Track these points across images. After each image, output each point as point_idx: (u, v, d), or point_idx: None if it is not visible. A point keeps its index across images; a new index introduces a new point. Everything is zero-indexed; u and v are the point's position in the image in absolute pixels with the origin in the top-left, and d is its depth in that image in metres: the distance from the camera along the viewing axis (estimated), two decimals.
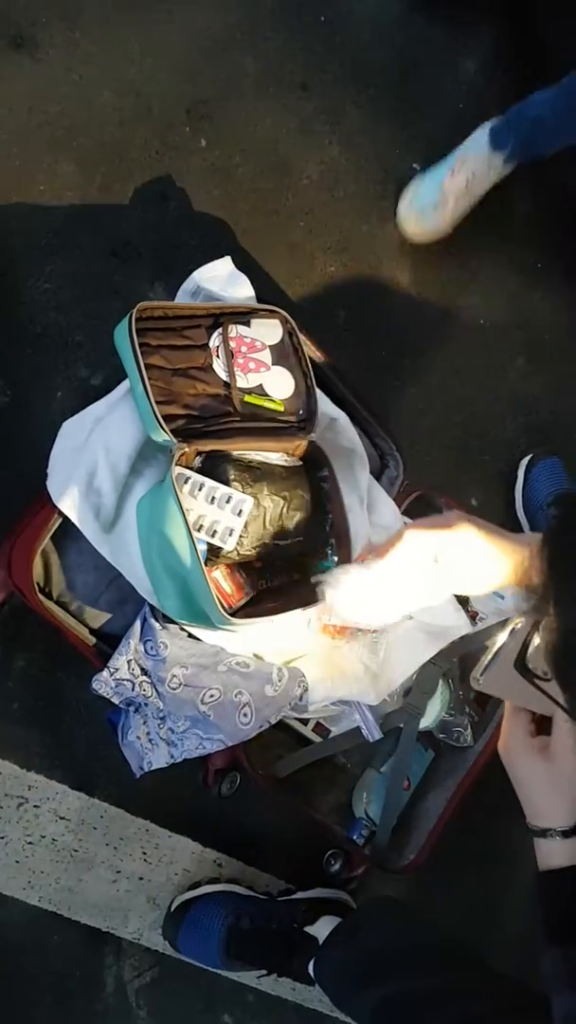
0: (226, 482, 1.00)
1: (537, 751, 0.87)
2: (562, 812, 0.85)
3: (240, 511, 0.99)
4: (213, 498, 0.99)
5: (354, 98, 1.36)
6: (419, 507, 1.28)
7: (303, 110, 1.33)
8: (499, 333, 1.51)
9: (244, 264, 1.15)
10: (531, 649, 0.80)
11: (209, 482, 0.99)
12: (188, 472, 1.00)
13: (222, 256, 1.15)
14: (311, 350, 1.15)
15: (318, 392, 1.12)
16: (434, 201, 1.35)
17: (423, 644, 1.20)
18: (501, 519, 1.51)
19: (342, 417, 1.17)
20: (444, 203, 1.35)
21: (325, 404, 1.15)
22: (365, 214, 1.38)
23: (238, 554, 1.01)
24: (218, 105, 1.27)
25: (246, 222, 1.29)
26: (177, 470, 0.98)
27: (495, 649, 0.85)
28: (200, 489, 0.99)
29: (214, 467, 1.01)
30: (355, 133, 1.37)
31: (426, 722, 1.24)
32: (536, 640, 0.82)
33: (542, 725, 0.90)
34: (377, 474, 1.25)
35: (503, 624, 0.87)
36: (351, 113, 1.37)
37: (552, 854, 0.85)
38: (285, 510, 1.04)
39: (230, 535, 1.00)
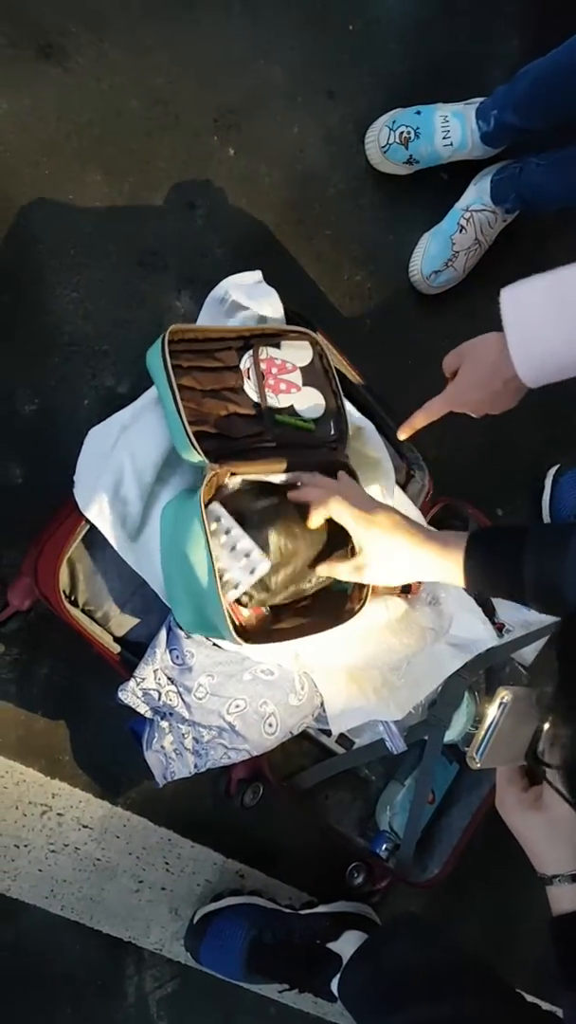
0: (265, 544, 0.98)
1: (531, 804, 0.90)
2: (565, 858, 0.88)
3: (253, 570, 0.97)
4: (233, 547, 0.98)
5: (381, 106, 1.35)
6: (445, 516, 1.28)
7: (330, 118, 1.33)
8: None
9: (270, 273, 1.15)
10: (542, 741, 0.79)
11: (236, 530, 0.97)
12: (220, 511, 0.99)
13: (247, 265, 1.15)
14: (348, 371, 1.16)
15: (344, 401, 1.12)
16: (445, 258, 1.36)
17: (448, 657, 1.19)
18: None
19: (368, 426, 1.17)
20: (456, 258, 1.36)
21: (351, 413, 1.15)
22: (391, 224, 1.38)
23: (253, 600, 1.00)
24: (245, 114, 1.27)
25: (273, 231, 1.29)
26: (214, 507, 0.98)
27: (487, 725, 0.86)
28: (225, 534, 0.98)
29: (261, 522, 0.99)
30: None
31: (451, 735, 1.23)
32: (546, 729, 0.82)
33: (532, 775, 0.93)
34: (403, 484, 1.24)
35: (491, 699, 0.87)
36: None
37: (562, 899, 0.87)
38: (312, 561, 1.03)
39: (235, 588, 0.98)
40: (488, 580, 0.91)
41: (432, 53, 1.40)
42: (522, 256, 1.48)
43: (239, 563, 0.97)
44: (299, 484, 1.01)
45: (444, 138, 1.30)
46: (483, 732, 0.86)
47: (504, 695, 0.85)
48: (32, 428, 1.15)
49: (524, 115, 1.24)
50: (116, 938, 1.22)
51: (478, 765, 0.86)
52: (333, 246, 1.33)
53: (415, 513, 1.21)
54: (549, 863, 0.88)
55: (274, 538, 0.97)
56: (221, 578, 0.95)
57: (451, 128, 1.30)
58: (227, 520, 0.97)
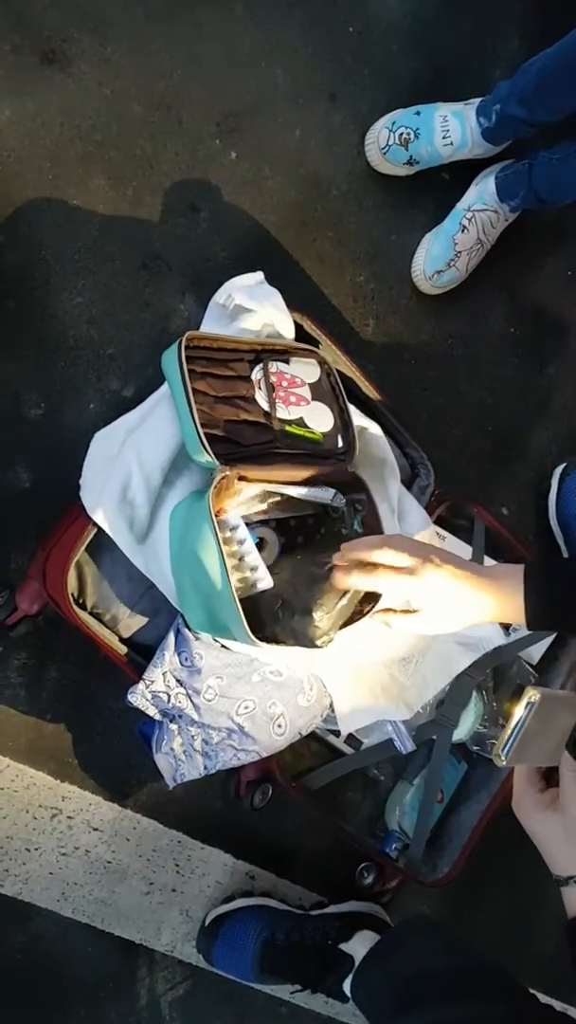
0: (313, 624, 0.96)
1: (548, 805, 0.90)
2: None
3: (255, 584, 0.98)
4: (242, 558, 0.98)
5: (383, 108, 1.35)
6: (450, 515, 1.28)
7: (332, 121, 1.33)
8: (529, 341, 1.50)
9: (273, 275, 1.15)
10: None
11: (248, 543, 0.98)
12: (237, 520, 0.99)
13: (251, 268, 1.16)
14: (361, 382, 1.18)
15: (350, 406, 1.13)
16: (448, 258, 1.36)
17: (456, 655, 1.19)
18: (534, 528, 1.50)
19: (372, 426, 1.17)
20: (458, 258, 1.36)
21: (355, 413, 1.15)
22: (394, 224, 1.38)
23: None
24: (248, 117, 1.27)
25: (276, 234, 1.29)
26: (231, 516, 0.98)
27: (514, 724, 0.86)
28: (239, 544, 0.98)
29: (305, 610, 0.97)
30: None
31: (459, 734, 1.23)
32: None
33: (550, 776, 0.93)
34: (408, 483, 1.25)
35: (519, 697, 0.87)
36: None
37: None
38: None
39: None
40: (556, 615, 0.90)
41: (433, 54, 1.40)
42: (524, 256, 1.49)
43: (243, 575, 0.98)
44: (333, 560, 0.96)
45: (444, 138, 1.30)
46: (510, 731, 0.86)
47: (533, 695, 0.85)
48: (38, 432, 1.15)
49: (530, 107, 1.23)
50: (128, 940, 1.22)
51: (503, 763, 0.87)
52: (336, 247, 1.34)
53: (420, 512, 1.21)
54: (565, 864, 0.88)
55: (323, 621, 0.96)
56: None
57: (451, 128, 1.30)
58: (242, 531, 0.98)
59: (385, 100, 1.36)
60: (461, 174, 1.39)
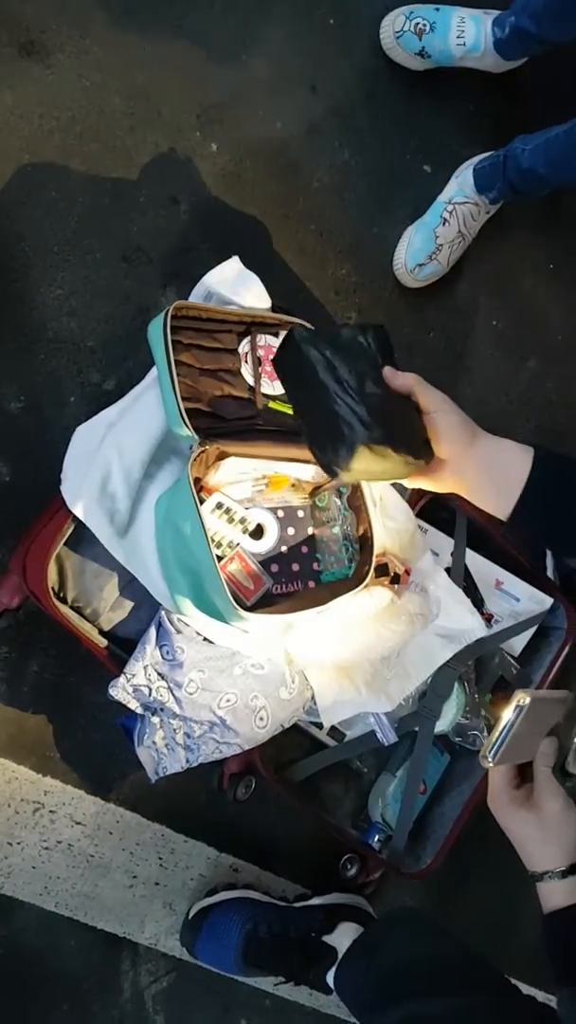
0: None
1: (523, 802, 0.91)
2: (556, 854, 0.88)
3: (247, 530, 1.00)
4: (231, 520, 1.01)
5: (364, 100, 1.36)
6: (433, 508, 1.28)
7: (313, 113, 1.33)
8: (512, 334, 1.50)
9: (255, 267, 1.15)
10: (570, 755, 0.80)
11: (236, 508, 1.01)
12: (222, 498, 1.01)
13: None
14: None
15: None
16: (429, 251, 1.36)
17: (438, 647, 1.20)
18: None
19: None
20: (439, 251, 1.36)
21: None
22: (376, 217, 1.38)
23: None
24: (228, 109, 1.27)
25: (257, 226, 1.29)
26: (216, 495, 1.00)
27: (502, 727, 0.86)
28: (225, 512, 1.01)
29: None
30: (365, 135, 1.37)
31: (442, 725, 1.23)
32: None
33: (524, 771, 0.93)
34: None
35: (507, 700, 0.87)
36: (361, 115, 1.37)
37: (553, 895, 0.88)
38: None
39: (230, 547, 1.02)
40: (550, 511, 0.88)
41: None
42: (506, 249, 1.49)
43: (233, 527, 1.01)
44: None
45: (458, 37, 1.32)
46: (498, 733, 0.86)
47: (521, 698, 0.85)
48: (18, 426, 1.15)
49: (539, 22, 1.25)
50: (111, 934, 1.22)
51: (490, 765, 0.87)
52: (317, 240, 1.34)
53: (402, 505, 1.21)
54: (540, 860, 0.89)
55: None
56: (214, 540, 0.97)
57: (466, 28, 1.32)
58: (228, 503, 1.00)
59: (365, 92, 1.35)
60: (443, 167, 1.40)
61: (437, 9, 1.34)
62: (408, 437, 0.89)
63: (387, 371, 0.90)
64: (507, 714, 0.86)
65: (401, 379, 0.89)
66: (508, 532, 0.91)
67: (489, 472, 0.89)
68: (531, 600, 1.30)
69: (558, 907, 0.87)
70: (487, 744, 0.87)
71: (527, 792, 0.92)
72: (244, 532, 1.03)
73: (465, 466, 0.90)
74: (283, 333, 1.09)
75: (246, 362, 1.07)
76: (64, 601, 1.05)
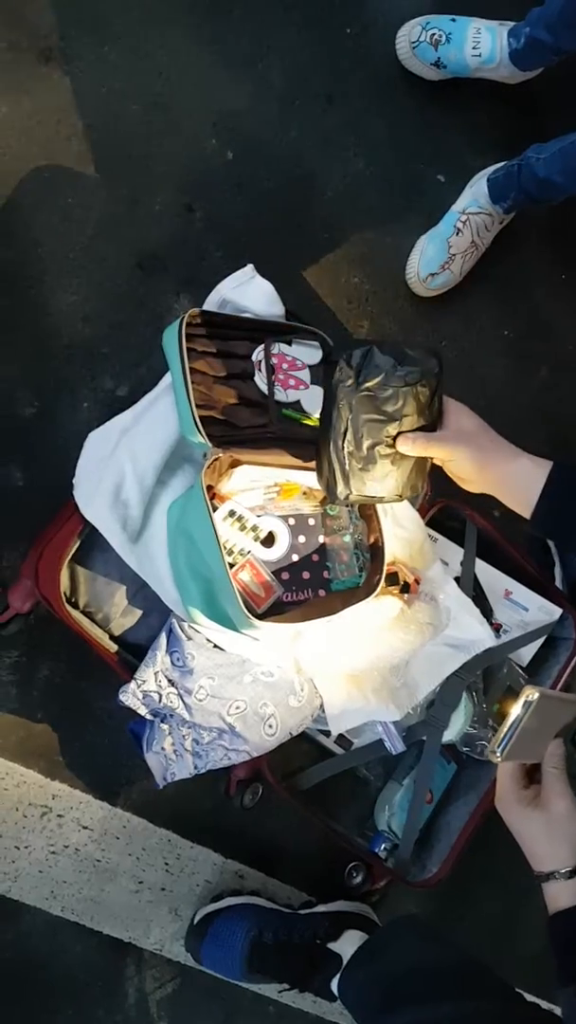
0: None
1: (530, 801, 0.91)
2: (563, 854, 0.88)
3: (258, 538, 1.01)
4: (243, 528, 1.01)
5: (379, 110, 1.36)
6: (443, 518, 1.28)
7: (328, 122, 1.34)
8: (522, 344, 1.50)
9: (269, 275, 1.15)
10: None
11: (248, 516, 1.01)
12: (235, 506, 1.02)
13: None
14: None
15: None
16: (442, 261, 1.36)
17: (446, 657, 1.20)
18: (525, 532, 1.50)
19: None
20: (452, 261, 1.37)
21: None
22: (389, 226, 1.38)
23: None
24: (244, 118, 1.28)
25: (271, 234, 1.29)
26: (229, 503, 1.00)
27: (511, 722, 0.87)
28: (237, 520, 1.01)
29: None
30: (380, 145, 1.37)
31: (449, 735, 1.23)
32: None
33: (533, 773, 0.94)
34: None
35: (516, 696, 0.88)
36: (376, 125, 1.37)
37: (559, 896, 0.88)
38: None
39: (241, 555, 1.03)
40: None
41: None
42: (518, 259, 1.49)
43: (245, 534, 1.02)
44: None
45: (474, 48, 1.33)
46: (506, 728, 0.86)
47: (530, 693, 0.86)
48: (32, 431, 1.15)
49: (555, 33, 1.26)
50: (116, 939, 1.23)
51: (499, 760, 0.87)
52: (331, 249, 1.34)
53: (412, 514, 1.21)
54: (547, 860, 0.89)
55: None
56: (225, 547, 0.98)
57: (482, 40, 1.33)
58: (240, 510, 1.01)
59: (381, 102, 1.36)
60: (456, 177, 1.40)
61: (453, 20, 1.35)
62: (406, 473, 1.02)
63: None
64: (516, 709, 0.86)
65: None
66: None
67: (508, 492, 1.01)
68: (540, 610, 1.30)
69: (564, 907, 0.87)
70: (496, 739, 0.87)
71: (535, 792, 0.92)
72: (256, 540, 1.04)
73: (485, 488, 1.01)
74: (297, 341, 1.10)
75: (260, 370, 1.07)
76: (76, 606, 1.05)
